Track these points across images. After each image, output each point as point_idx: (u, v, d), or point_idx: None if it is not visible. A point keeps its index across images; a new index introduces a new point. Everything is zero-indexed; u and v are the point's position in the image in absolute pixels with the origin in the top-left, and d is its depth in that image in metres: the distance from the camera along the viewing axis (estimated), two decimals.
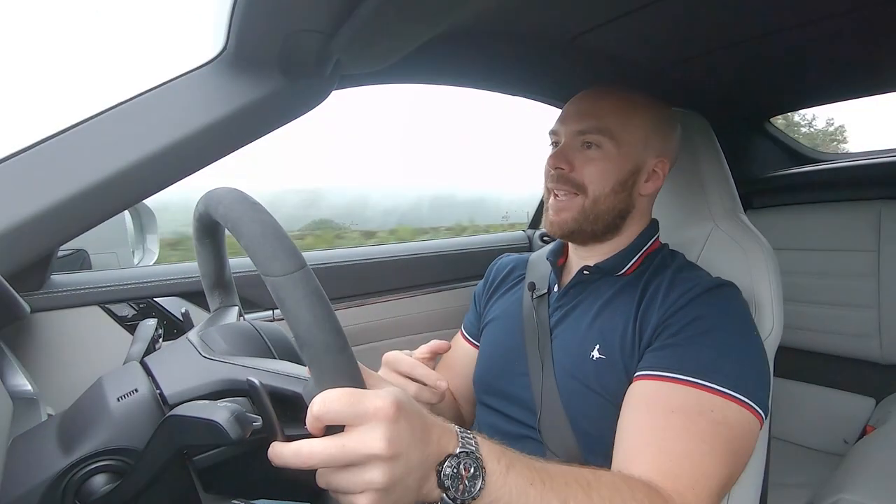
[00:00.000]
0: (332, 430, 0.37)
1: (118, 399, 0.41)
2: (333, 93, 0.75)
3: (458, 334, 0.96)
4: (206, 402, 0.40)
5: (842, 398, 1.46)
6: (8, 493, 0.38)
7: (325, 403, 0.35)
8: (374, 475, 0.36)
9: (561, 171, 0.73)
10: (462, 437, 0.42)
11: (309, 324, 0.36)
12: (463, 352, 0.92)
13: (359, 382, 0.37)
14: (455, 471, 0.40)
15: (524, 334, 0.78)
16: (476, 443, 0.42)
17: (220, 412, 0.37)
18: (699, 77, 1.16)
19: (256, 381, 0.40)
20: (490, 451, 0.43)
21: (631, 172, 0.73)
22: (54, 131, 0.61)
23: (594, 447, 0.66)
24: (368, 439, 0.36)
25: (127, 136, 0.62)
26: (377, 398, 0.37)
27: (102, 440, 0.39)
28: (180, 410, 0.38)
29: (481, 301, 0.93)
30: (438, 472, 0.39)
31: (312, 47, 0.63)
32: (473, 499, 0.40)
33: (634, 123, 0.73)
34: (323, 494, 0.51)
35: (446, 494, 0.39)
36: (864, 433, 1.34)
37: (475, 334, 0.91)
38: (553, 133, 0.78)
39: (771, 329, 0.77)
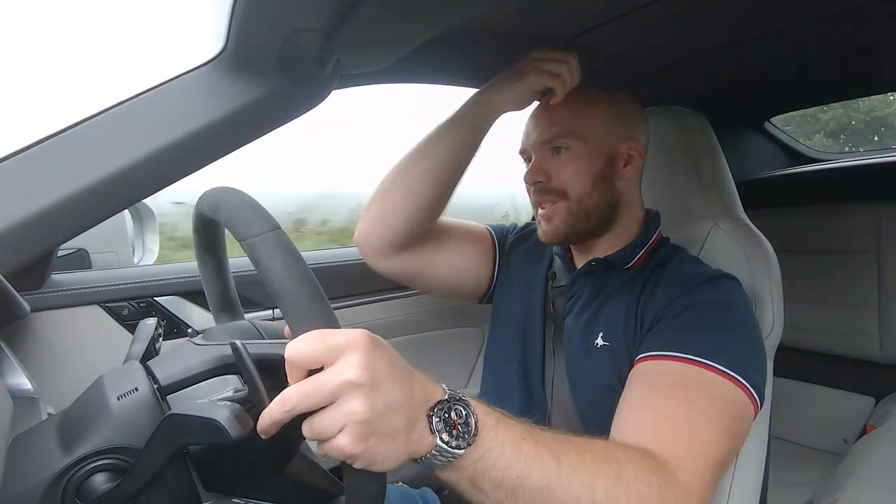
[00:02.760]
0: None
1: (118, 398, 0.41)
2: (332, 92, 0.75)
3: (481, 227, 0.95)
4: (206, 401, 0.40)
5: (842, 398, 1.46)
6: (8, 491, 0.38)
7: (295, 344, 0.35)
8: (353, 405, 0.34)
9: (540, 184, 0.75)
10: (448, 388, 0.41)
11: (282, 276, 0.36)
12: (482, 237, 0.92)
13: (335, 326, 0.37)
14: (447, 415, 0.39)
15: (537, 324, 0.79)
16: (464, 395, 0.42)
17: (220, 411, 0.37)
18: (699, 77, 1.16)
19: (239, 343, 0.40)
20: (478, 404, 0.42)
21: (606, 163, 0.75)
22: (54, 131, 0.61)
23: (600, 434, 0.66)
24: (343, 368, 0.35)
25: (127, 135, 0.62)
26: (349, 332, 0.36)
27: (102, 439, 0.39)
28: (180, 409, 0.38)
29: (505, 240, 0.92)
30: (430, 418, 0.39)
31: (312, 47, 0.63)
32: (468, 444, 0.40)
33: (593, 115, 0.75)
34: (327, 499, 0.51)
35: (440, 439, 0.39)
36: (863, 433, 1.34)
37: (499, 239, 0.92)
38: (523, 152, 0.80)
39: (771, 328, 0.77)
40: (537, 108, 0.79)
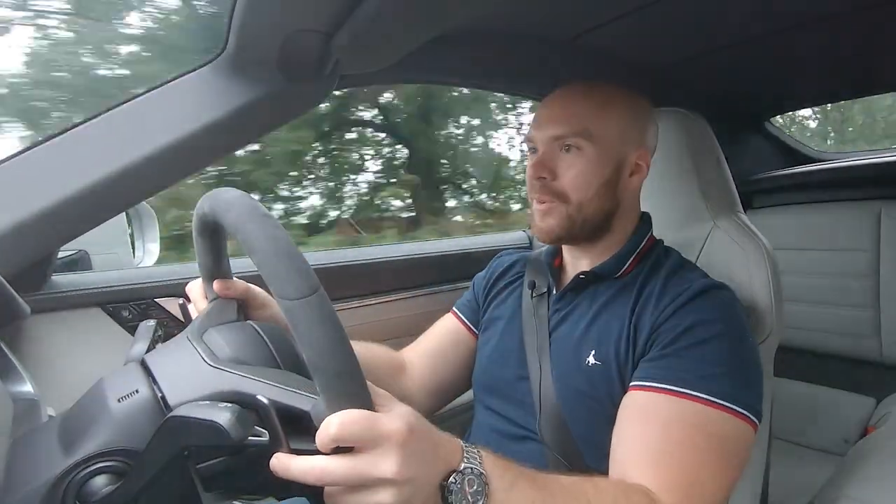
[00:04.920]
0: (341, 448, 0.37)
1: (119, 400, 0.41)
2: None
3: (448, 315, 0.94)
4: (208, 402, 0.40)
5: (842, 398, 1.46)
6: (9, 494, 0.38)
7: (345, 426, 0.36)
8: (384, 497, 0.37)
9: (543, 181, 0.72)
10: (466, 453, 0.42)
11: (323, 349, 0.36)
12: (451, 328, 0.91)
13: (369, 407, 0.38)
14: (458, 486, 0.40)
15: (524, 336, 0.78)
16: (480, 459, 0.43)
17: (222, 413, 0.37)
18: (699, 77, 1.16)
19: (265, 401, 0.40)
20: (494, 467, 0.43)
21: (614, 171, 0.72)
22: (55, 132, 0.61)
23: (593, 450, 0.67)
24: (381, 463, 0.36)
25: (127, 136, 0.62)
26: (392, 423, 0.37)
27: (103, 441, 0.39)
28: (181, 411, 0.38)
29: (480, 293, 0.92)
30: (442, 488, 0.40)
31: (312, 47, 0.63)
32: None
33: (611, 119, 0.71)
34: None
35: None
36: (864, 433, 1.34)
37: (470, 318, 0.91)
38: (529, 140, 0.76)
39: (770, 329, 0.77)
40: (553, 97, 0.75)
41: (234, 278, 0.61)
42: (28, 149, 0.60)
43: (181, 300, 0.64)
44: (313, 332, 0.36)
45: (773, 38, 0.97)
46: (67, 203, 0.58)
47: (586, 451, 0.68)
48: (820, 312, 1.47)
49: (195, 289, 0.64)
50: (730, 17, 0.90)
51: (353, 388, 0.37)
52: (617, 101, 0.73)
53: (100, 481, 0.39)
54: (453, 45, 0.92)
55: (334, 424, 0.36)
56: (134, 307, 0.93)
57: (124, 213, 1.40)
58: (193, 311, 0.63)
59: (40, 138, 0.60)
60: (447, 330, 0.92)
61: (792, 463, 1.40)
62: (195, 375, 0.44)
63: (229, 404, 0.38)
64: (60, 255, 1.00)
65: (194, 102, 0.65)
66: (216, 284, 0.58)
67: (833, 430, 1.45)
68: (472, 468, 0.41)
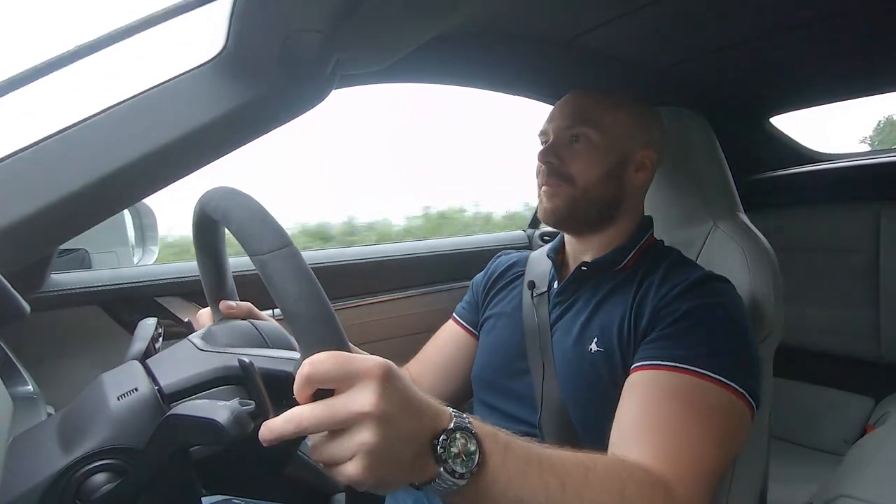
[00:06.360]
0: (322, 396, 0.37)
1: (118, 398, 0.41)
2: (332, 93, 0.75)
3: (449, 322, 0.95)
4: (207, 401, 0.40)
5: (841, 398, 1.46)
6: (8, 492, 0.38)
7: (314, 364, 0.35)
8: (365, 435, 0.35)
9: (550, 165, 0.76)
10: (455, 415, 0.41)
11: (296, 297, 0.36)
12: (453, 335, 0.92)
13: (346, 350, 0.38)
14: (452, 444, 0.39)
15: (525, 332, 0.79)
16: (470, 420, 0.42)
17: (221, 411, 0.37)
18: (699, 77, 1.16)
19: (247, 360, 0.40)
20: (485, 430, 0.43)
21: (618, 162, 0.76)
22: (54, 131, 0.61)
23: (595, 442, 0.67)
24: (358, 397, 0.35)
25: (127, 135, 0.62)
26: (366, 360, 0.37)
27: (102, 439, 0.39)
28: (180, 409, 0.38)
29: (480, 293, 0.93)
30: (434, 447, 0.39)
31: (312, 47, 0.63)
32: (472, 473, 0.40)
33: (618, 115, 0.76)
34: (325, 498, 0.51)
35: (444, 468, 0.39)
36: (863, 433, 1.34)
37: (470, 321, 0.92)
38: (542, 133, 0.81)
39: (770, 329, 0.77)
40: (567, 97, 0.80)
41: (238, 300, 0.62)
42: (27, 147, 0.60)
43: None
44: (286, 281, 0.36)
45: (774, 38, 0.97)
46: (67, 201, 0.58)
47: (587, 441, 0.68)
48: (819, 313, 1.47)
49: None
50: (729, 17, 0.90)
51: (328, 333, 0.37)
52: (626, 103, 0.78)
53: (99, 479, 0.39)
54: (453, 45, 0.92)
55: (305, 364, 0.35)
56: (133, 306, 0.93)
57: (125, 212, 1.41)
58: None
59: (40, 137, 0.60)
60: (449, 337, 0.92)
61: (791, 463, 1.40)
62: (188, 361, 0.45)
63: (228, 402, 0.38)
64: (60, 253, 1.00)
65: (194, 101, 0.65)
66: (221, 305, 0.60)
67: (832, 429, 1.45)
68: (462, 427, 0.40)
